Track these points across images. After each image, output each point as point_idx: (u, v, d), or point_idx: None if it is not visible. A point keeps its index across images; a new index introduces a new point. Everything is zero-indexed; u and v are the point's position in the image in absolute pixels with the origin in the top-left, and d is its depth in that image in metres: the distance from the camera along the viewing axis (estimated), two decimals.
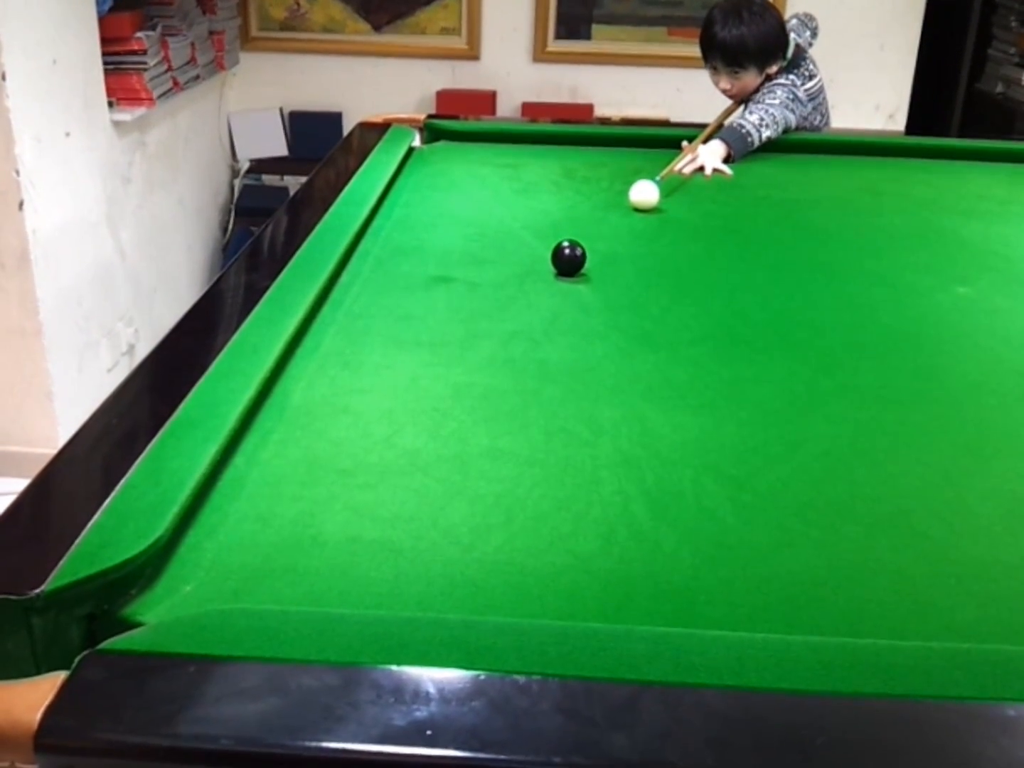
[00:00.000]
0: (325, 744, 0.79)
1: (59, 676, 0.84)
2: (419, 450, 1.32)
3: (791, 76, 2.87)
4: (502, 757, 0.80)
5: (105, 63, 3.27)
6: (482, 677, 0.86)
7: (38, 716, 0.79)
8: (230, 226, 4.45)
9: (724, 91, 2.93)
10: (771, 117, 2.76)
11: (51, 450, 3.08)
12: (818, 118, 2.99)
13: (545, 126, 3.03)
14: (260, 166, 4.54)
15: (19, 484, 3.15)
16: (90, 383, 3.27)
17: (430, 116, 3.00)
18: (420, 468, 1.28)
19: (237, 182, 4.52)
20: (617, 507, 1.21)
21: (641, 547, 1.14)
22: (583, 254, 1.91)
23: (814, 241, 2.23)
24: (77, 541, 1.01)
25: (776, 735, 0.84)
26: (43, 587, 0.94)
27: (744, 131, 2.74)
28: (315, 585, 1.05)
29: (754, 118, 2.76)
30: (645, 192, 2.33)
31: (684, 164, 2.64)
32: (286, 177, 4.54)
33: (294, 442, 1.32)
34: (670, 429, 1.40)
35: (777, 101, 2.79)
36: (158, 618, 0.98)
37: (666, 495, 1.24)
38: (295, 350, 1.55)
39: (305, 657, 0.87)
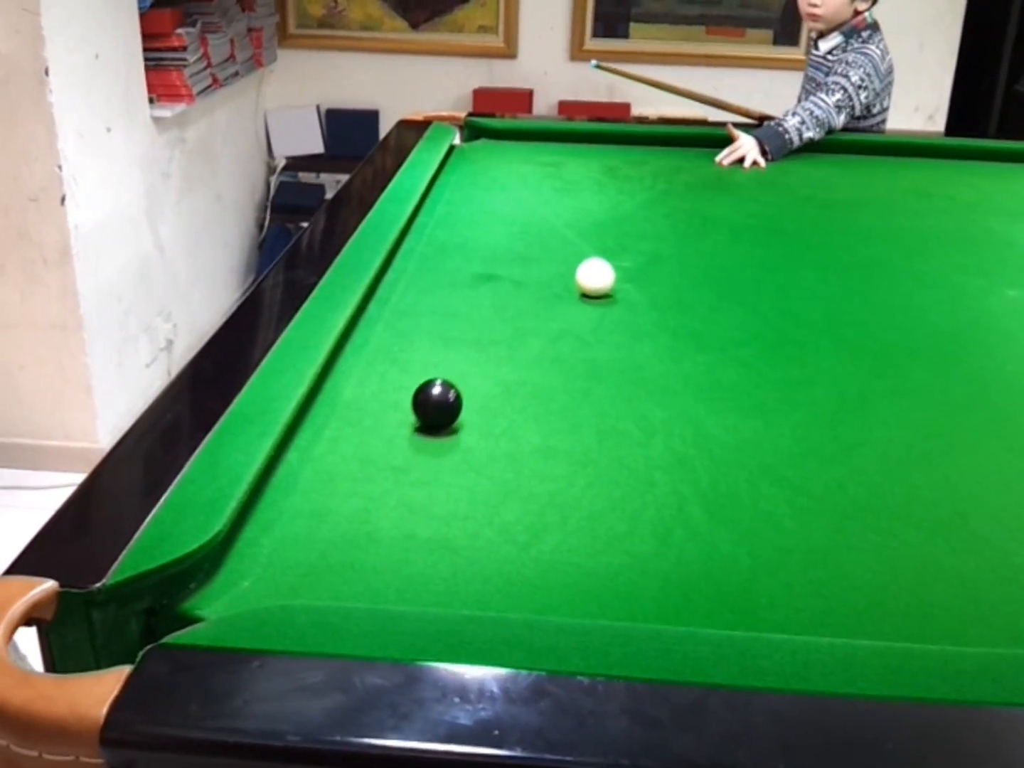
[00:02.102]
0: (392, 742, 0.78)
1: (123, 670, 0.83)
2: (471, 448, 1.31)
3: (877, 40, 2.85)
4: (569, 759, 0.79)
5: (146, 59, 3.29)
6: (546, 677, 0.85)
7: (104, 710, 0.79)
8: (266, 223, 4.47)
9: (811, 9, 2.88)
10: (814, 120, 2.75)
11: (90, 444, 3.12)
12: (886, 99, 2.97)
13: (586, 125, 3.02)
14: (296, 163, 4.55)
15: (59, 478, 3.17)
16: (129, 378, 3.29)
17: (470, 114, 3.00)
18: (473, 467, 1.27)
19: (273, 179, 4.53)
20: (672, 508, 1.20)
21: (698, 549, 1.13)
22: (457, 399, 1.34)
23: (861, 242, 2.20)
24: (136, 535, 1.01)
25: (845, 740, 0.83)
26: (104, 581, 0.94)
27: (781, 129, 2.74)
28: (372, 582, 1.05)
29: (796, 120, 2.75)
30: (595, 274, 1.81)
31: (723, 156, 2.69)
32: (322, 174, 4.56)
33: (346, 438, 1.32)
34: (723, 430, 1.39)
35: (832, 100, 2.77)
36: (217, 613, 0.97)
37: (721, 497, 1.23)
38: (344, 346, 1.55)
39: (368, 654, 0.87)
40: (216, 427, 1.23)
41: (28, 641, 0.94)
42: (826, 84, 2.82)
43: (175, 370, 3.60)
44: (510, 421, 1.39)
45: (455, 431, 1.35)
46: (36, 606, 0.92)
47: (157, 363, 3.50)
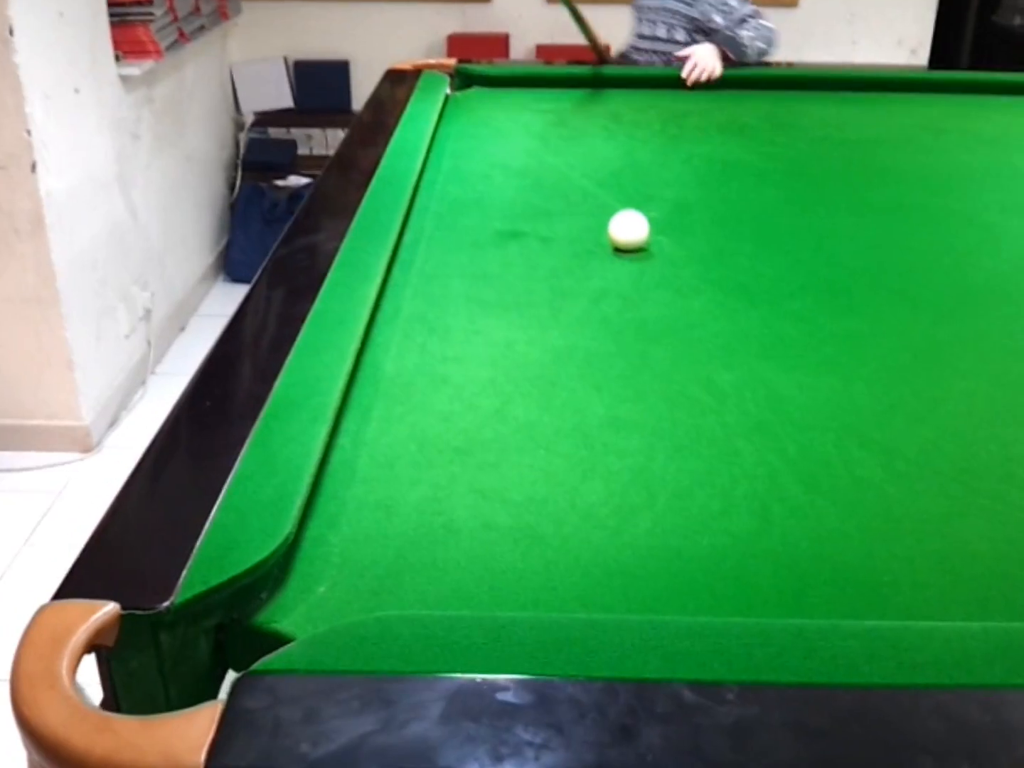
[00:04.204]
0: None
1: (215, 707, 0.73)
2: (534, 423, 1.21)
3: None
4: None
5: (110, 15, 3.10)
6: (690, 687, 0.76)
7: (202, 758, 0.69)
8: (237, 182, 4.29)
9: None
10: (762, 32, 2.84)
11: (73, 422, 2.97)
12: None
13: (585, 69, 2.87)
14: (265, 119, 4.37)
15: (44, 458, 3.01)
16: (108, 351, 3.15)
17: (460, 61, 2.86)
18: (541, 444, 1.17)
19: (243, 136, 4.35)
20: (764, 480, 1.11)
21: (802, 524, 1.04)
22: None
23: (886, 182, 2.11)
24: (199, 543, 0.90)
25: None
26: (172, 599, 0.84)
27: (738, 40, 2.81)
28: (459, 580, 0.95)
29: (748, 34, 2.82)
30: (630, 227, 1.71)
31: (687, 72, 2.72)
32: (292, 129, 4.38)
33: (398, 419, 1.21)
34: (796, 390, 1.29)
35: (764, 22, 2.86)
36: (295, 624, 0.87)
37: (813, 464, 1.14)
38: (376, 317, 1.43)
39: (487, 670, 0.77)
40: (262, 414, 1.11)
41: (83, 668, 0.84)
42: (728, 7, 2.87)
43: (155, 340, 3.46)
44: (569, 391, 1.28)
45: (513, 401, 1.25)
46: (99, 632, 0.81)
47: (136, 334, 3.35)
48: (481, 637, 0.81)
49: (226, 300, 3.97)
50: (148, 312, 3.43)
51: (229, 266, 4.16)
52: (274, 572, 0.92)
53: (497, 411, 1.23)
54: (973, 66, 5.40)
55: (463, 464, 1.13)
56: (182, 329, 3.78)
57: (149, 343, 3.44)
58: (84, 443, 3.02)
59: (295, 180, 4.22)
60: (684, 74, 2.71)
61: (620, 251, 1.70)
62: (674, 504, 1.07)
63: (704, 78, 2.70)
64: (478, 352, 1.38)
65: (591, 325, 1.46)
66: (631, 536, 1.02)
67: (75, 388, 2.97)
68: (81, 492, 2.86)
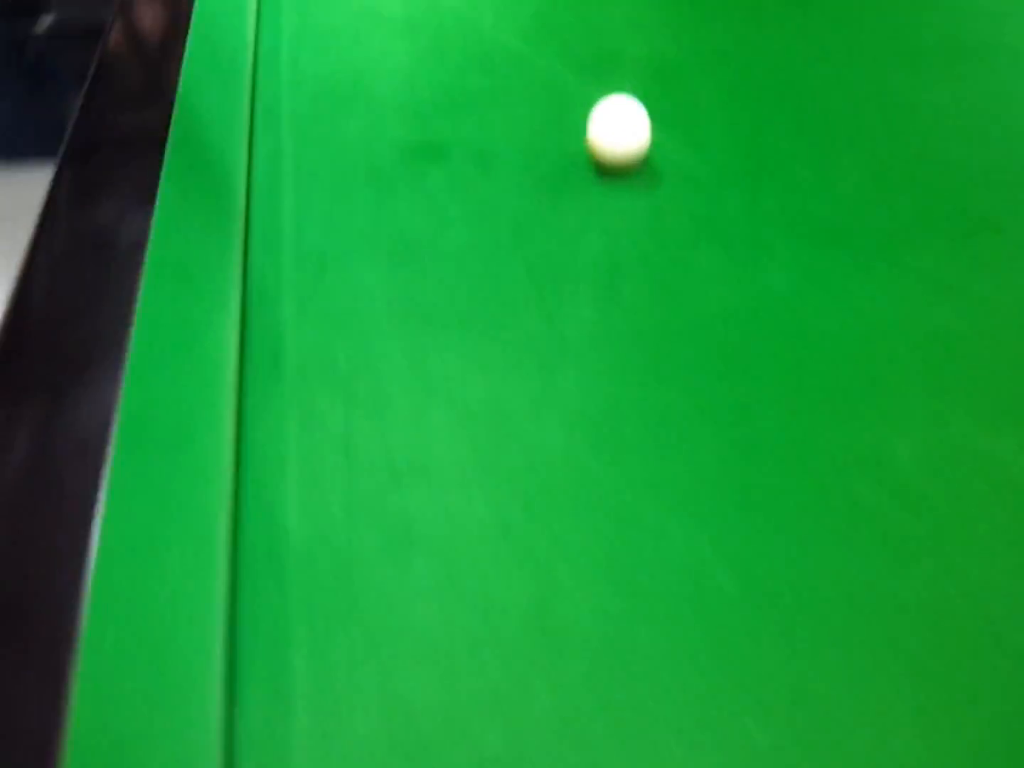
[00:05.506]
0: None
1: None
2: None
3: None
4: None
5: None
6: None
7: None
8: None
9: None
10: None
11: None
12: None
13: None
14: None
15: None
16: None
17: None
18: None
19: None
20: None
21: None
22: None
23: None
24: None
25: None
26: None
27: None
28: None
29: None
30: (626, 127, 1.01)
31: None
32: None
33: (343, 711, 0.57)
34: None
35: None
36: None
37: None
38: (244, 380, 0.77)
39: None
40: None
41: None
42: None
43: None
44: (665, 541, 0.67)
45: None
46: None
47: None
48: None
49: None
50: None
51: None
52: None
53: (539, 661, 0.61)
54: None
55: None
56: None
57: None
58: None
59: (48, 19, 3.25)
60: None
61: (608, 171, 1.05)
62: None
63: None
64: (448, 439, 0.73)
65: (621, 348, 0.83)
66: None
67: None
68: None
